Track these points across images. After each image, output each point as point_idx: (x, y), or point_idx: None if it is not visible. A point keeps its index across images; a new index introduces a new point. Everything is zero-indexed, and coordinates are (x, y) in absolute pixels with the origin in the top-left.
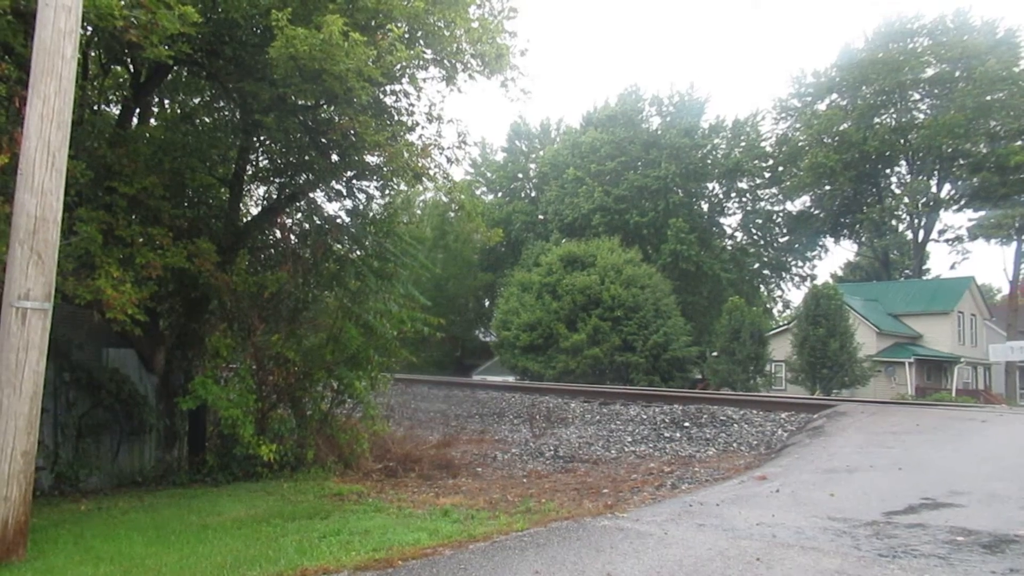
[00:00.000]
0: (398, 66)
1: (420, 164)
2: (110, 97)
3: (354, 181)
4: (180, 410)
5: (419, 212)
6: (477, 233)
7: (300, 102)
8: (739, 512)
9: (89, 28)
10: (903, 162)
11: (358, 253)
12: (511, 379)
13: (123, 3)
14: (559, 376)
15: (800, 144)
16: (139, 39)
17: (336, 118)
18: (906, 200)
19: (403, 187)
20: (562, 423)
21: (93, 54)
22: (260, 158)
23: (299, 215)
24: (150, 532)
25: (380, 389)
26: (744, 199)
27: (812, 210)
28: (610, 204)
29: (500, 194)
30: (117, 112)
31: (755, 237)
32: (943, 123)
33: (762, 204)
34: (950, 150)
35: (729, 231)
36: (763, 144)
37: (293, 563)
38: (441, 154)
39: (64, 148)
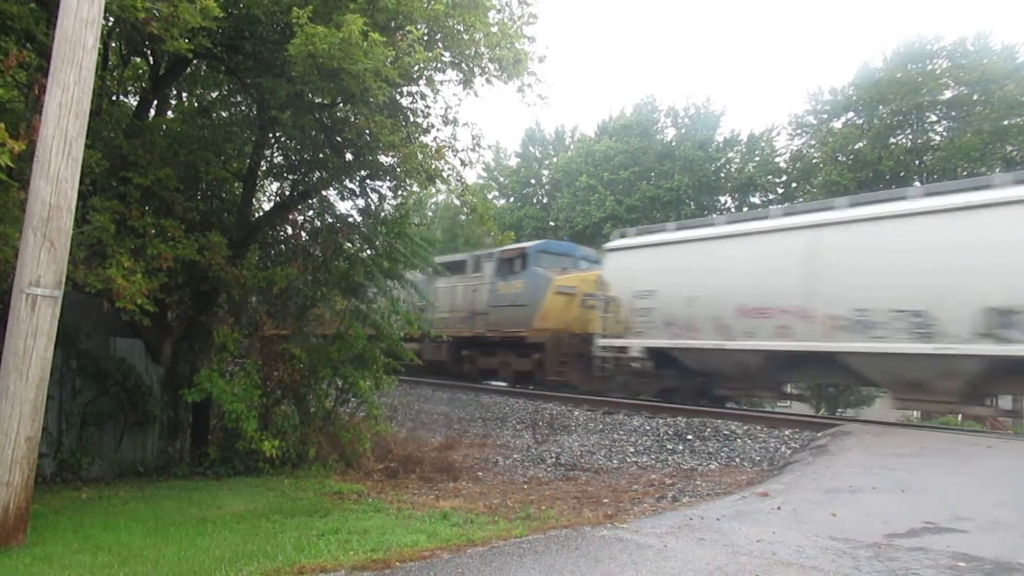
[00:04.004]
0: (416, 68)
1: (434, 166)
2: (128, 88)
3: (367, 181)
4: (184, 402)
5: (430, 214)
6: (489, 236)
7: (317, 100)
8: (739, 528)
9: (111, 19)
10: (917, 183)
11: (368, 252)
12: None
13: None
14: None
15: (814, 161)
16: (160, 31)
17: (352, 117)
18: None
19: (416, 188)
20: (565, 431)
21: (114, 45)
22: (275, 154)
23: (311, 212)
24: (150, 523)
25: (384, 389)
26: None
27: None
28: (622, 213)
29: (512, 199)
30: (135, 103)
31: None
32: (959, 146)
33: None
34: (965, 173)
35: None
36: (777, 160)
37: (291, 560)
38: (455, 156)
39: (81, 137)
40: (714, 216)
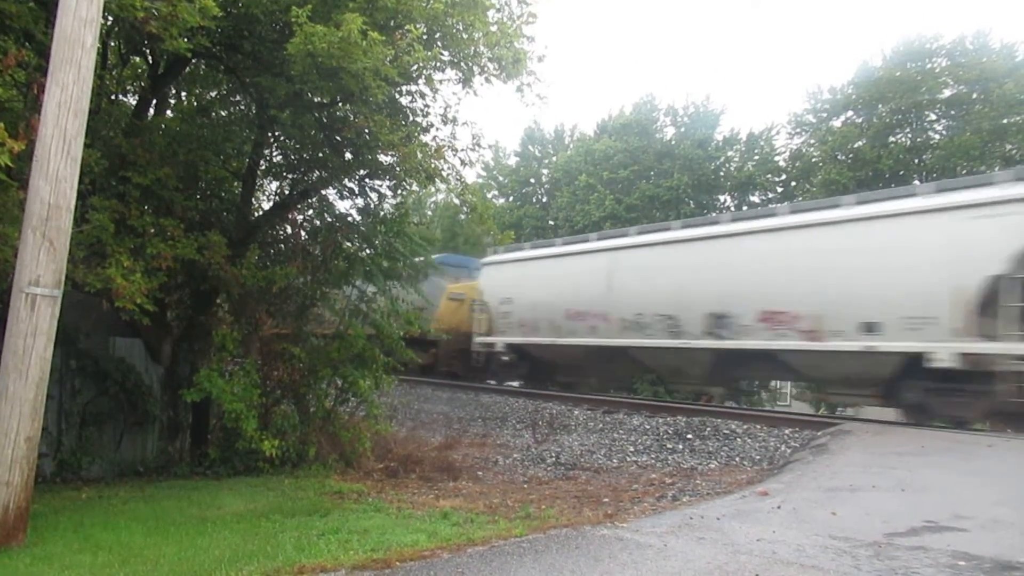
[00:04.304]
0: (415, 67)
1: (433, 165)
2: (127, 87)
3: (367, 180)
4: (184, 402)
5: (430, 213)
6: (488, 235)
7: (316, 99)
8: (739, 527)
9: (110, 18)
10: (917, 182)
11: (368, 252)
12: (515, 383)
13: None
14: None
15: (814, 160)
16: (159, 31)
17: (351, 116)
18: None
19: (415, 187)
20: (565, 430)
21: (112, 44)
22: (274, 153)
23: (310, 212)
24: (150, 522)
25: (384, 389)
26: None
27: None
28: (621, 212)
29: (511, 198)
30: (134, 102)
31: None
32: (958, 144)
33: None
34: (965, 172)
35: None
36: (776, 158)
37: (291, 559)
38: (455, 156)
39: (80, 136)
40: (555, 238)
